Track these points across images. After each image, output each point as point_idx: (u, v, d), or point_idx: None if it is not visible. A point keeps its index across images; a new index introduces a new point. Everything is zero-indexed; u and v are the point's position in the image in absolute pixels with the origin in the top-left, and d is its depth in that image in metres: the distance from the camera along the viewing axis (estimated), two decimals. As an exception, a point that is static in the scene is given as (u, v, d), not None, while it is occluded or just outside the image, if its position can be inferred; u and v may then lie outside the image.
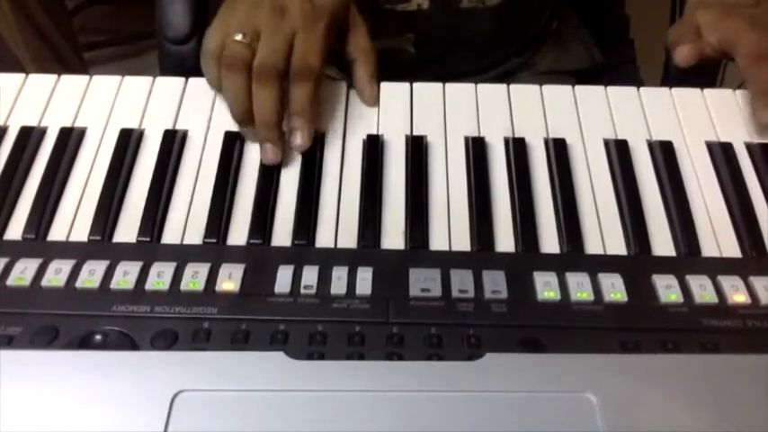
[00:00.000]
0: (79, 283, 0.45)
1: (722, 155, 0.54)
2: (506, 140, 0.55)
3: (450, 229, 0.50)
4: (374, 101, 0.58)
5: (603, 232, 0.50)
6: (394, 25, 0.72)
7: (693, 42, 0.59)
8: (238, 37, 0.52)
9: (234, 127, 0.55)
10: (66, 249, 0.48)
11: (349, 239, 0.49)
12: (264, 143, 0.52)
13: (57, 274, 0.45)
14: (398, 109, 0.58)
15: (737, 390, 0.36)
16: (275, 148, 0.52)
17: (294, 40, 0.53)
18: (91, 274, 0.45)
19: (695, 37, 0.59)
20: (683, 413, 0.35)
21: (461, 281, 0.46)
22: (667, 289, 0.45)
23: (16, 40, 1.32)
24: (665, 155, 0.54)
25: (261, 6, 0.54)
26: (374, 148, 0.54)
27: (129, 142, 0.54)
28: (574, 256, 0.48)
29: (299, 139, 0.52)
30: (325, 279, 0.46)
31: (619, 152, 0.54)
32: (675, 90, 0.59)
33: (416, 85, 0.59)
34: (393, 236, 0.49)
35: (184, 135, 0.55)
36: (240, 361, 0.38)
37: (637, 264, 0.48)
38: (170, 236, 0.49)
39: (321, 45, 0.53)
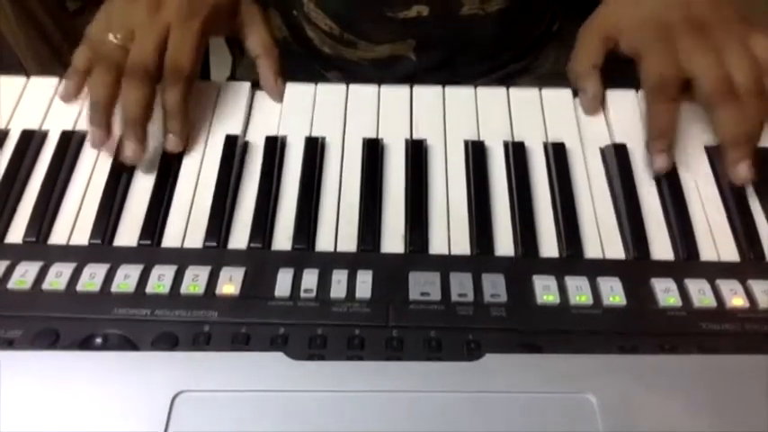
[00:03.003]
0: (80, 287, 0.45)
1: (720, 159, 0.54)
2: (506, 144, 0.55)
3: (449, 232, 0.50)
4: (279, 98, 0.58)
5: (602, 236, 0.50)
6: (394, 32, 0.72)
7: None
8: (112, 37, 0.52)
9: (237, 130, 0.55)
10: (66, 252, 0.48)
11: (349, 243, 0.49)
12: (126, 140, 0.52)
13: (57, 277, 0.46)
14: (398, 113, 0.58)
15: (737, 390, 0.36)
16: (136, 147, 0.51)
17: (168, 35, 0.53)
18: (92, 278, 0.46)
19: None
20: (683, 414, 0.35)
21: (461, 285, 0.46)
22: (666, 293, 0.46)
23: (18, 40, 1.32)
24: (663, 159, 0.54)
25: (138, 1, 0.54)
26: (374, 152, 0.54)
27: (129, 145, 0.54)
28: (573, 260, 0.48)
29: (172, 144, 0.53)
30: (325, 283, 0.46)
31: (618, 156, 0.54)
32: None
33: (416, 88, 0.59)
34: (393, 239, 0.49)
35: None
36: (240, 361, 0.38)
37: (635, 268, 0.48)
38: (170, 239, 0.49)
39: (194, 42, 0.53)
